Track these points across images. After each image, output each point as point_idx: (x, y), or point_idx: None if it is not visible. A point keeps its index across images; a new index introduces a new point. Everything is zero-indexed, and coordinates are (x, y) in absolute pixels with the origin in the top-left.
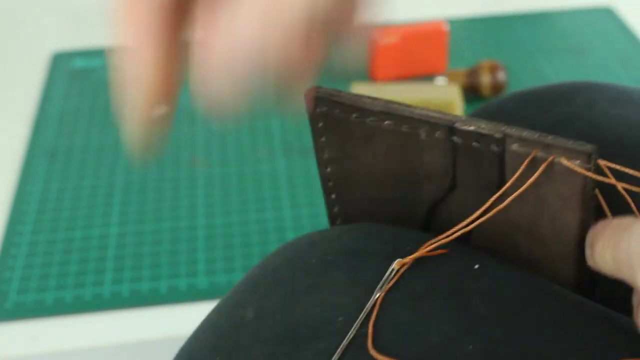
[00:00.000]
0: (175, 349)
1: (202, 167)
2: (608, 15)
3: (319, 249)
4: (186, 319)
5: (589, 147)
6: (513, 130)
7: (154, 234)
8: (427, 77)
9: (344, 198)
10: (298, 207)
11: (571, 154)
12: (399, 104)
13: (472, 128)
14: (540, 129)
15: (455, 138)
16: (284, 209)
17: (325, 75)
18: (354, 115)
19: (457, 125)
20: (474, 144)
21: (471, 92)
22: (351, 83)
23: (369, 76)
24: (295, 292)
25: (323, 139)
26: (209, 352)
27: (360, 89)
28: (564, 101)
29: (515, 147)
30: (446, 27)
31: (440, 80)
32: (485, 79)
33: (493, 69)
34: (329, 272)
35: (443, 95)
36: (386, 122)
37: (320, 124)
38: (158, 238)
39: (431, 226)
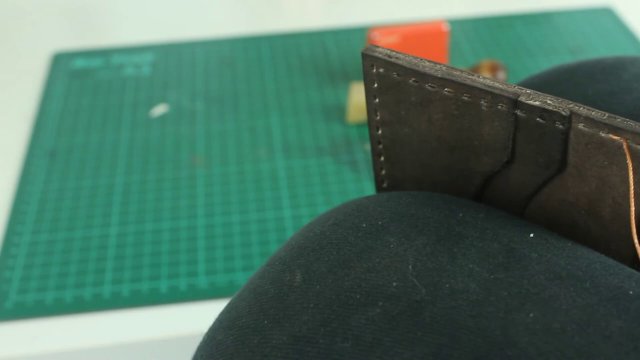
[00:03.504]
0: (175, 349)
1: (202, 167)
2: (608, 15)
3: (369, 213)
4: (186, 319)
5: None
6: (581, 109)
7: (154, 234)
8: None
9: (393, 161)
10: (298, 207)
11: None
12: (461, 70)
13: (537, 103)
14: (592, 100)
15: (518, 112)
16: (284, 209)
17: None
18: (412, 79)
19: (522, 98)
20: (538, 119)
21: None
22: (351, 83)
23: None
24: (345, 257)
25: (377, 100)
26: (256, 316)
27: (360, 88)
28: (612, 74)
29: (581, 126)
30: (446, 27)
31: None
32: None
33: (493, 69)
34: (381, 236)
35: None
36: (446, 89)
37: (375, 85)
38: (158, 238)
39: (483, 199)
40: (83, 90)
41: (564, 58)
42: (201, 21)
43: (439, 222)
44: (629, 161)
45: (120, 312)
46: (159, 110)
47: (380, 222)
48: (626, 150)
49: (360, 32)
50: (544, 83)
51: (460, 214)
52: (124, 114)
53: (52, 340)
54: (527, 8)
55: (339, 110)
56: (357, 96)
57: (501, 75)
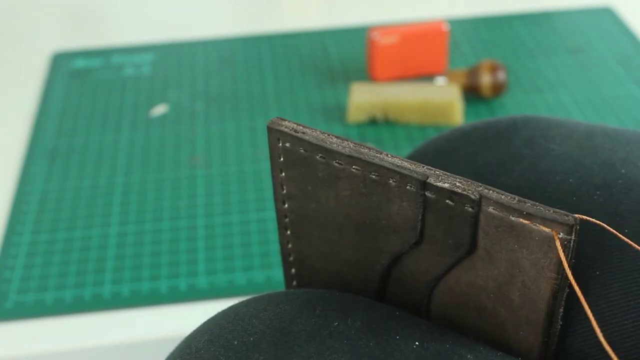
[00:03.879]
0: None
1: (202, 167)
2: (608, 15)
3: (243, 327)
4: (186, 319)
5: (571, 219)
6: (490, 192)
7: (154, 234)
8: (427, 77)
9: (300, 236)
10: None
11: (552, 224)
12: (369, 148)
13: (446, 185)
14: (481, 172)
15: (427, 193)
16: None
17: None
18: (319, 155)
19: (431, 180)
20: (447, 201)
21: (471, 92)
22: (351, 83)
23: (369, 76)
24: None
25: (283, 174)
26: None
27: (360, 88)
28: (504, 140)
29: (491, 209)
30: (446, 27)
31: (440, 80)
32: (485, 79)
33: (493, 69)
34: (250, 355)
35: (443, 96)
36: (354, 167)
37: (281, 159)
38: (158, 238)
39: (391, 279)
40: (83, 90)
41: (564, 58)
42: (201, 21)
43: (311, 335)
44: (560, 252)
45: (120, 312)
46: (159, 110)
47: (252, 339)
48: (557, 243)
49: (360, 32)
50: (437, 150)
51: (336, 323)
52: (124, 114)
53: (52, 340)
54: (527, 8)
55: (339, 110)
56: (357, 96)
57: (501, 75)
